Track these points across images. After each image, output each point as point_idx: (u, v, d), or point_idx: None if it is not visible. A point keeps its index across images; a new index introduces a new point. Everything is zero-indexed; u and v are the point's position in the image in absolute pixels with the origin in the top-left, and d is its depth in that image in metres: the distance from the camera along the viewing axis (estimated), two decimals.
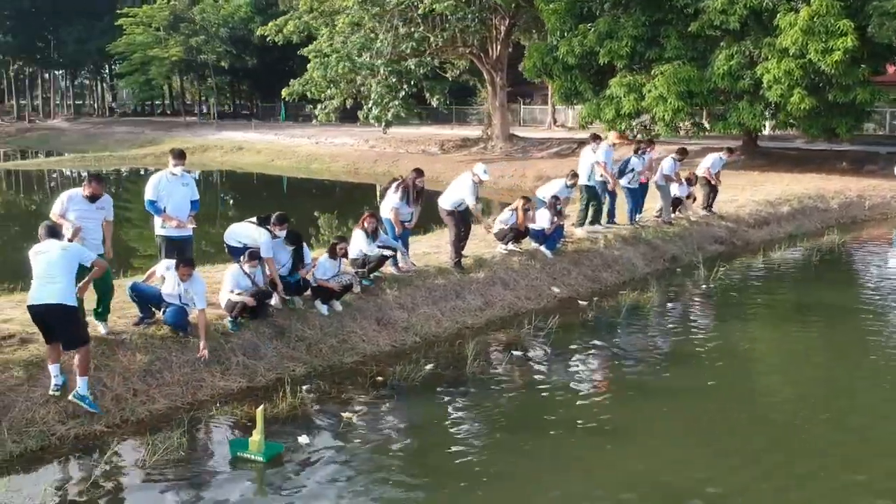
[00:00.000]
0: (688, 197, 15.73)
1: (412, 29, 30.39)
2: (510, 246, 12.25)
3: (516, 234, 12.16)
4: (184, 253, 9.00)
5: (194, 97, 70.27)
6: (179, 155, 9.13)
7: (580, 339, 10.18)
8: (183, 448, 6.80)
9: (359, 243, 10.20)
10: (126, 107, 75.93)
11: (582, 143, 14.22)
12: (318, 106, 33.76)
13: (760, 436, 7.35)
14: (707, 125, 25.31)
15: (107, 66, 70.42)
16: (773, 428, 7.54)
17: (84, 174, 37.23)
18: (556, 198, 12.44)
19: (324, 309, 9.47)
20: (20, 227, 21.59)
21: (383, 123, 32.19)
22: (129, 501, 6.26)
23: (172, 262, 8.24)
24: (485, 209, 21.61)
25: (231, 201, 29.55)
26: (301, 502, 6.20)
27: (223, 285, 8.82)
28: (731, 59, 21.62)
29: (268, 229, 9.02)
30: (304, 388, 8.22)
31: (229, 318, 8.58)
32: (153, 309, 8.37)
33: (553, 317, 10.46)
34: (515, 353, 9.55)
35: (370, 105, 31.75)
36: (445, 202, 11.22)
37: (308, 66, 32.75)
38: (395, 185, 10.79)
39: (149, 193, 8.90)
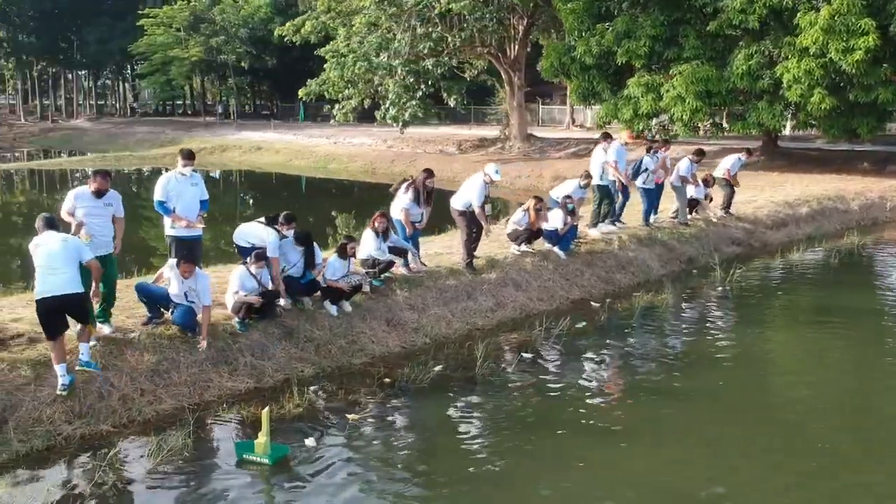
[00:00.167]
0: (705, 198, 15.56)
1: (430, 29, 30.32)
2: (523, 247, 12.17)
3: (529, 234, 12.07)
4: (193, 253, 9.01)
5: (214, 97, 70.65)
6: (188, 155, 9.13)
7: (592, 341, 10.08)
8: (188, 449, 6.80)
9: (369, 244, 10.17)
10: (147, 107, 76.42)
11: (598, 143, 14.08)
12: (336, 106, 33.77)
13: (770, 440, 7.23)
14: (726, 125, 25.04)
15: (128, 66, 70.96)
16: (785, 432, 7.42)
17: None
18: (568, 197, 12.34)
19: (333, 309, 9.43)
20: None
21: (400, 123, 32.14)
22: (131, 502, 6.24)
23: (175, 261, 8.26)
24: (502, 210, 21.59)
25: (251, 201, 29.63)
26: None
27: (229, 286, 8.81)
28: (750, 58, 21.37)
29: (276, 229, 9.00)
30: (312, 389, 8.20)
31: (237, 319, 8.57)
32: (162, 309, 8.37)
33: (564, 318, 10.37)
34: (526, 355, 9.47)
35: (387, 105, 31.72)
36: (457, 203, 11.15)
37: (325, 66, 32.79)
38: (405, 185, 10.74)
39: (158, 194, 8.91)
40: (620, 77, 24.92)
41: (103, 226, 8.02)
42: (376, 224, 10.18)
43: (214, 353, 8.24)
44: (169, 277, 8.26)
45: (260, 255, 8.71)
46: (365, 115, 38.03)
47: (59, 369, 7.08)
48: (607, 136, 14.05)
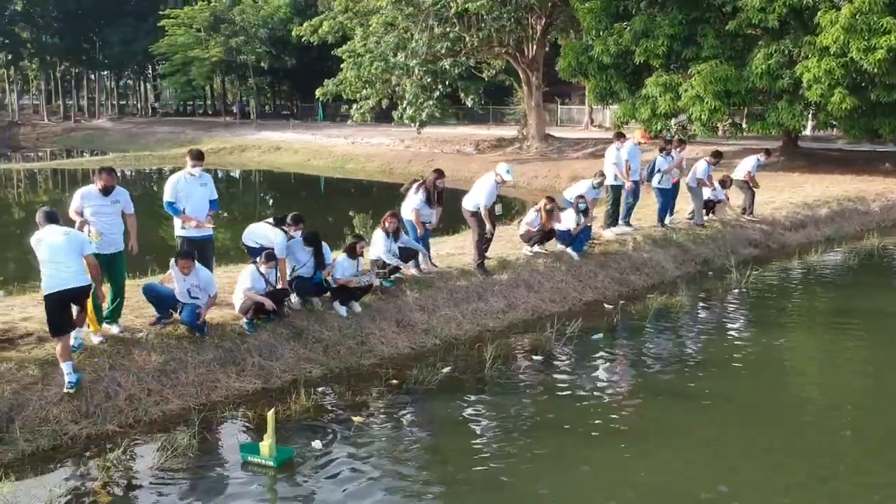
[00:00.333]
0: (719, 202, 15.36)
1: (447, 29, 30.27)
2: (535, 248, 12.09)
3: (542, 235, 11.99)
4: (205, 253, 9.04)
5: (234, 97, 71.01)
6: (197, 156, 9.13)
7: (604, 343, 9.99)
8: (193, 450, 6.78)
9: (379, 244, 10.13)
10: (168, 107, 76.94)
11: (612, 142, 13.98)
12: (354, 106, 33.81)
13: (780, 446, 7.12)
14: (745, 125, 24.80)
15: (150, 66, 71.49)
16: (796, 439, 7.30)
17: (127, 173, 38.03)
18: (581, 198, 12.23)
19: (342, 310, 9.41)
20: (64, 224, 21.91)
21: (417, 123, 32.11)
22: (134, 503, 6.24)
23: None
24: (519, 210, 21.48)
25: (270, 200, 29.71)
26: None
27: (238, 285, 8.80)
28: (769, 57, 21.14)
29: (283, 230, 8.98)
30: (319, 390, 8.17)
31: (245, 320, 8.56)
32: (170, 310, 8.37)
33: (575, 320, 10.28)
34: (536, 357, 9.40)
35: (404, 105, 31.70)
36: (468, 203, 11.09)
37: (342, 66, 32.83)
38: (415, 185, 10.69)
39: (167, 195, 8.92)
40: (638, 77, 24.78)
41: (112, 223, 8.03)
42: (387, 224, 10.14)
43: (222, 353, 8.24)
44: (173, 277, 8.28)
45: (270, 254, 8.71)
46: (383, 115, 38.04)
47: (65, 367, 7.11)
48: (621, 136, 13.93)
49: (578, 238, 12.28)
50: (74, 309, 7.17)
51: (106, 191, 7.98)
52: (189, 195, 8.92)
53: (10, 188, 33.95)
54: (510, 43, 32.08)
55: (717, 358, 9.47)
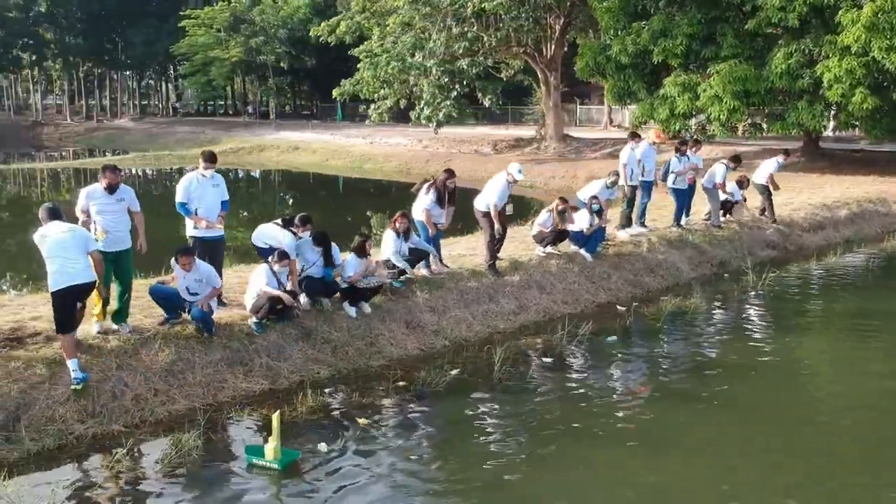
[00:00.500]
0: (736, 203, 15.17)
1: (465, 28, 30.21)
2: (548, 248, 12.00)
3: (555, 236, 11.90)
4: (216, 253, 9.06)
5: (254, 97, 71.40)
6: (210, 158, 9.13)
7: (616, 346, 9.89)
8: (197, 451, 6.76)
9: (390, 244, 10.09)
10: (189, 107, 77.49)
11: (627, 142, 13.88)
12: (372, 106, 33.84)
13: (790, 454, 7.01)
14: (765, 126, 24.53)
15: (172, 66, 72.02)
16: (807, 445, 7.19)
17: (149, 172, 38.32)
18: (594, 198, 12.13)
19: (352, 311, 9.37)
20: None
21: (434, 123, 32.07)
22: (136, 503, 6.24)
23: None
24: (537, 211, 21.37)
25: (290, 200, 29.78)
26: None
27: (250, 285, 8.79)
28: (789, 57, 20.89)
29: (291, 231, 8.97)
30: (327, 391, 8.14)
31: (254, 320, 8.54)
32: (179, 310, 8.37)
33: (587, 322, 10.18)
34: (546, 359, 9.32)
35: (422, 105, 31.68)
36: (480, 204, 11.02)
37: (359, 66, 32.86)
38: (426, 185, 10.64)
39: (179, 196, 8.93)
40: (656, 76, 24.60)
41: (118, 221, 8.03)
42: (397, 224, 10.10)
43: (230, 353, 8.23)
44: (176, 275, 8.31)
45: (283, 253, 8.69)
46: (401, 115, 38.11)
47: (71, 364, 7.14)
48: (635, 136, 13.80)
49: (592, 239, 12.18)
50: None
51: (111, 188, 7.99)
52: (201, 196, 8.93)
53: (33, 187, 34.33)
54: (528, 43, 31.97)
55: (730, 361, 9.35)
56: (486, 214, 10.96)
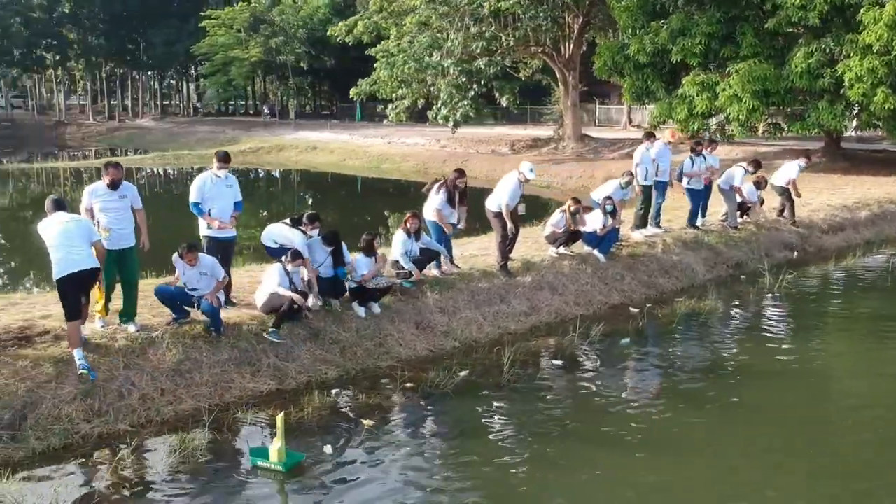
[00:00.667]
0: (753, 205, 14.97)
1: (483, 28, 30.10)
2: (561, 249, 11.90)
3: (567, 237, 11.80)
4: (227, 253, 9.07)
5: (275, 97, 71.65)
6: (224, 158, 9.13)
7: (627, 348, 9.78)
8: (202, 451, 6.76)
9: (400, 245, 10.05)
10: (210, 107, 77.88)
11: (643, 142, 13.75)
12: (389, 106, 33.81)
13: (798, 458, 6.91)
14: (784, 126, 24.24)
15: (193, 67, 72.44)
16: (817, 451, 7.06)
17: (170, 171, 38.55)
18: (608, 199, 12.01)
19: (361, 311, 9.34)
20: None
21: (451, 123, 31.97)
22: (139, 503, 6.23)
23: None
24: (552, 211, 21.25)
25: (310, 200, 29.82)
26: None
27: (263, 284, 8.78)
28: (810, 56, 20.61)
29: (301, 230, 8.94)
30: (333, 392, 8.10)
31: (271, 329, 8.47)
32: (187, 308, 8.36)
33: (599, 324, 10.08)
34: (556, 361, 9.24)
35: (439, 105, 31.59)
36: (492, 204, 10.95)
37: (375, 65, 32.85)
38: (437, 185, 10.59)
39: (193, 196, 8.93)
40: (675, 76, 24.37)
41: (121, 219, 8.04)
42: (408, 224, 10.06)
43: (238, 353, 8.22)
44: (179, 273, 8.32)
45: (296, 253, 8.67)
46: (419, 115, 38.05)
47: (76, 353, 7.22)
48: (650, 136, 13.69)
49: (605, 240, 12.06)
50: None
51: (113, 185, 8.00)
52: (215, 197, 8.93)
53: (56, 185, 34.66)
54: (547, 42, 31.82)
55: (743, 363, 9.23)
56: (498, 215, 10.89)
